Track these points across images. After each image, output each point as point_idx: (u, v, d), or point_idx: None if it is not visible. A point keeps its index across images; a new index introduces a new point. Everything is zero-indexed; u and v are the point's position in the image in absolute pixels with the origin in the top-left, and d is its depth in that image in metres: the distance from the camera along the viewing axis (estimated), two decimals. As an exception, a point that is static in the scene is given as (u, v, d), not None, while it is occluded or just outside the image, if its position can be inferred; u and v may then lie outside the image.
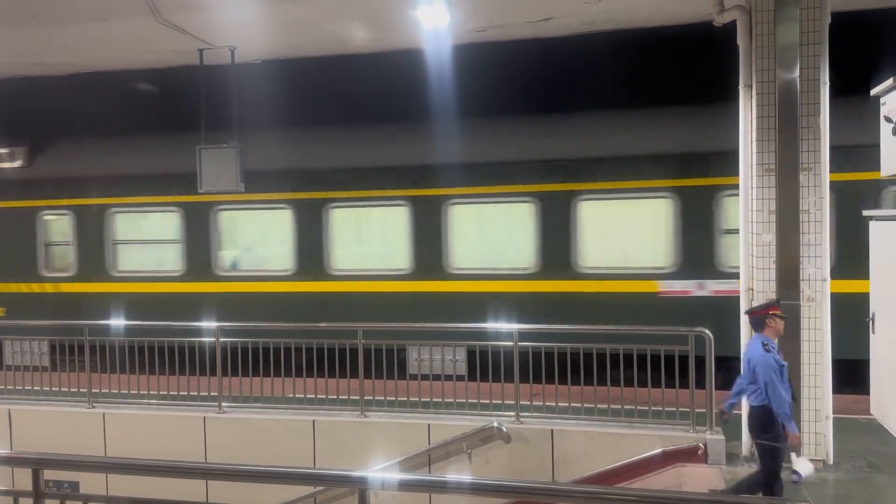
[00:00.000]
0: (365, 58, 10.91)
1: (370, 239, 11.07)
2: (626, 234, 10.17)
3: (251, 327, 9.33)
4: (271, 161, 11.08)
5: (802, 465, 5.87)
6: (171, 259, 11.52)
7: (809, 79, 6.62)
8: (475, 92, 11.59)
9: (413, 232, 10.69)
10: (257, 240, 11.50)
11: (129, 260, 11.77)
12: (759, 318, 5.82)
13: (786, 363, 5.72)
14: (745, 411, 6.42)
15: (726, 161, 8.70)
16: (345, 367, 8.20)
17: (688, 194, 9.82)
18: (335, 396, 8.25)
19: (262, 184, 10.87)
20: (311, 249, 11.03)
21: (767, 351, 5.62)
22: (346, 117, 12.00)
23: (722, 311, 8.90)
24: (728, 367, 8.05)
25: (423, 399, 8.02)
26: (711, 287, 9.67)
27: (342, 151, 11.16)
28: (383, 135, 11.21)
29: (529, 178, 10.32)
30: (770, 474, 5.72)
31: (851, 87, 8.54)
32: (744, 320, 7.12)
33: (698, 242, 9.79)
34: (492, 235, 10.61)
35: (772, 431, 5.62)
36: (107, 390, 9.00)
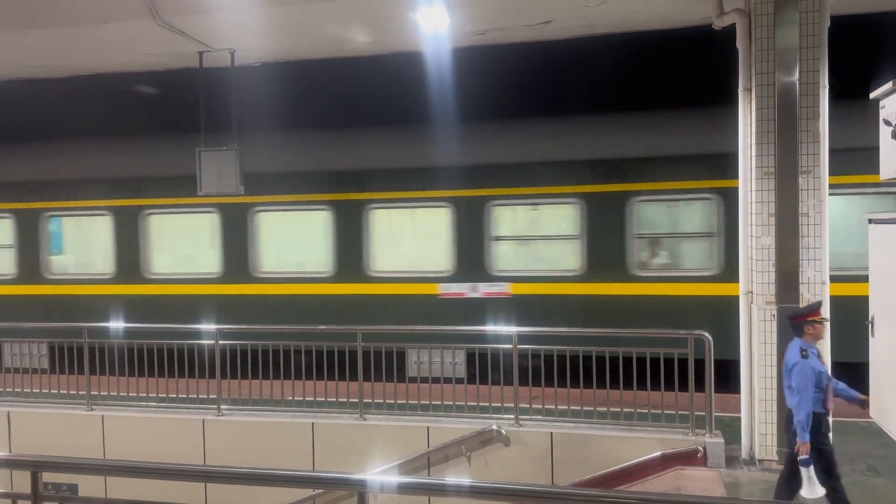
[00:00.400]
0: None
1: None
2: (411, 240, 10.89)
3: (250, 330, 9.33)
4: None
5: (811, 489, 5.35)
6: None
7: (809, 82, 6.64)
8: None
9: (222, 238, 11.21)
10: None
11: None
12: (797, 324, 5.67)
13: (824, 368, 5.57)
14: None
15: (496, 173, 10.17)
16: (344, 369, 8.19)
17: (463, 204, 10.37)
18: (334, 399, 8.25)
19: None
20: None
21: (804, 357, 5.48)
22: None
23: (493, 311, 9.99)
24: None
25: (422, 402, 8.02)
26: (483, 289, 10.28)
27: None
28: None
29: (324, 187, 10.82)
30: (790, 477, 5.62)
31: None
32: (744, 323, 7.13)
33: (472, 249, 10.34)
34: (295, 241, 11.26)
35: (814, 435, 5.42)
36: (106, 393, 9.00)
